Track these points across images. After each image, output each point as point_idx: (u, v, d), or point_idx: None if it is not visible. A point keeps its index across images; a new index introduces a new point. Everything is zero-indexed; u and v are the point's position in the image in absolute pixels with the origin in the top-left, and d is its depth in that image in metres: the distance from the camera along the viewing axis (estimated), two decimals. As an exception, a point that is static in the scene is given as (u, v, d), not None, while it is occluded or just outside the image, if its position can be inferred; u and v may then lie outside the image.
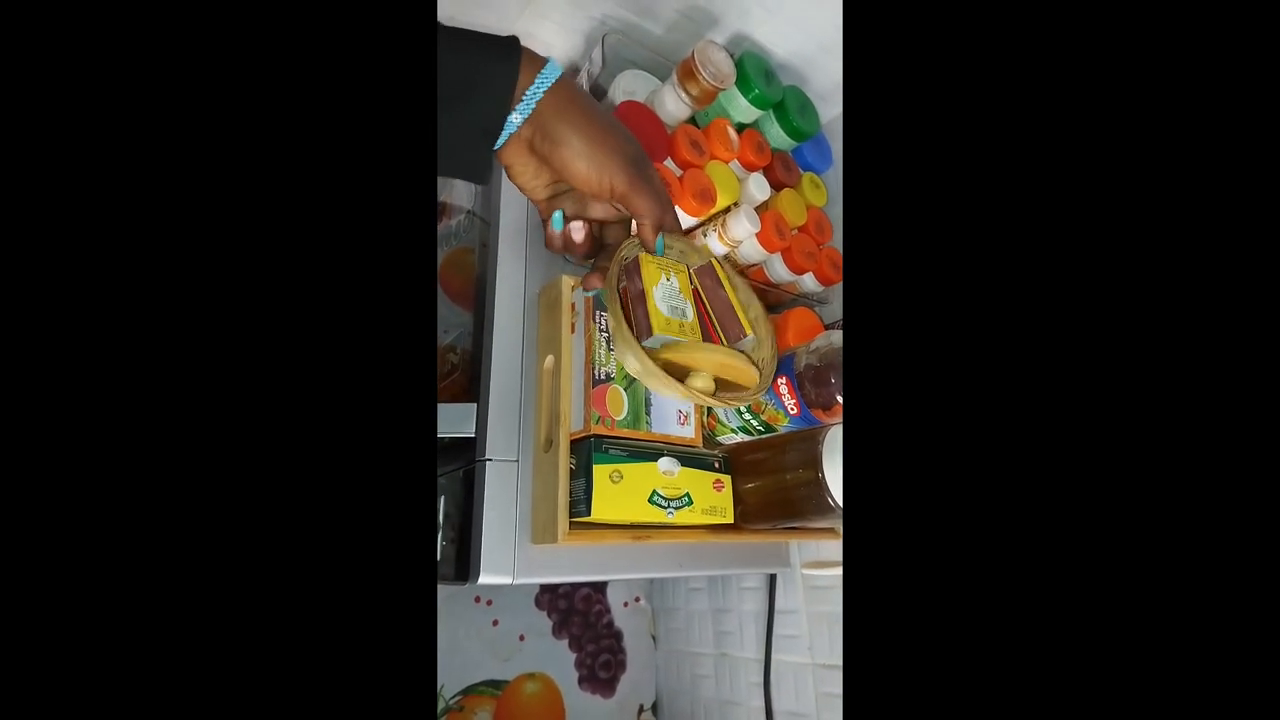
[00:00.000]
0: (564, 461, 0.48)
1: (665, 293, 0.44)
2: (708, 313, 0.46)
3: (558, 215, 0.41)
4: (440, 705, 0.74)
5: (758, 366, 0.45)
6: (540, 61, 0.37)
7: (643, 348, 0.42)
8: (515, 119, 0.36)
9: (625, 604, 0.90)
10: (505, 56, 0.35)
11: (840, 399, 0.45)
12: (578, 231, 0.41)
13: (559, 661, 0.83)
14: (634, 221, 0.42)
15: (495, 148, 0.37)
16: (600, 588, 0.90)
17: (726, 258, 0.62)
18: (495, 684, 0.78)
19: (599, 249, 0.44)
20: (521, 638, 0.81)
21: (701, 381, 0.43)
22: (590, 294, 0.44)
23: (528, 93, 0.36)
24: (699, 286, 0.46)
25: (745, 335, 0.46)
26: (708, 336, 0.46)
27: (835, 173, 0.76)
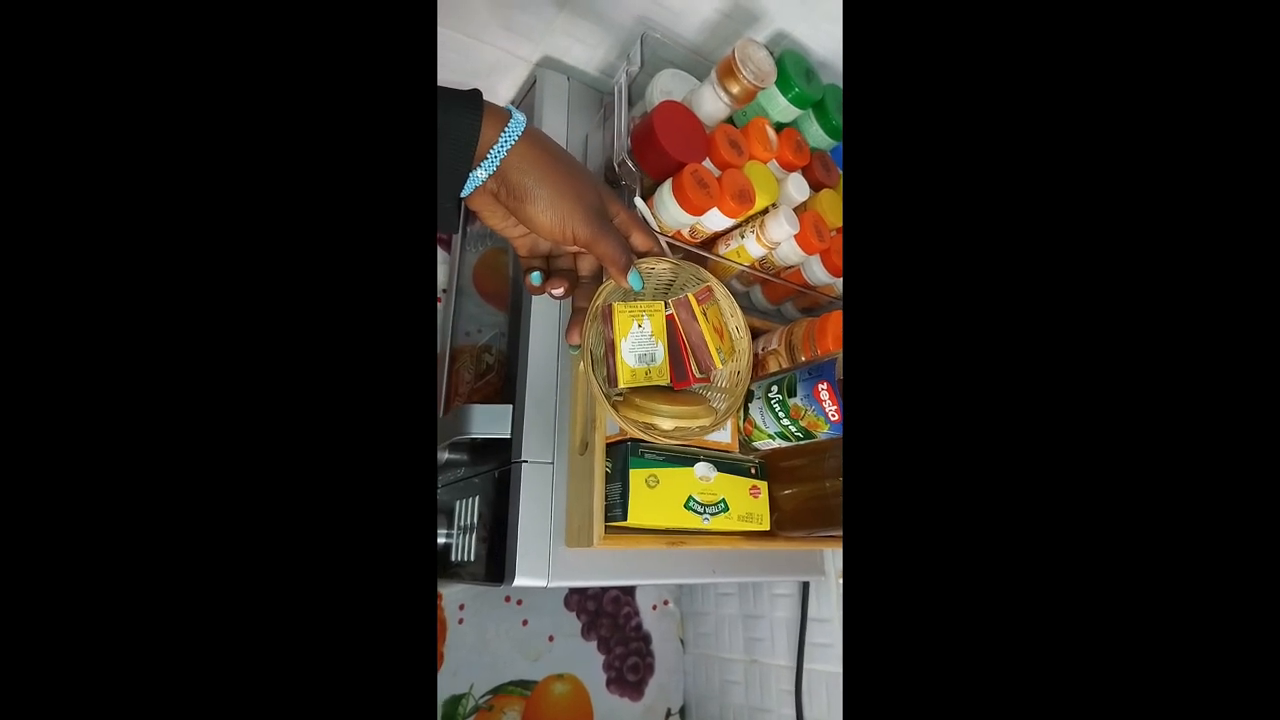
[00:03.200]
0: (600, 465, 0.48)
1: (635, 341, 0.46)
2: (684, 345, 0.48)
3: (536, 275, 0.43)
4: (470, 704, 0.74)
5: (713, 406, 0.49)
6: (503, 116, 0.37)
7: (608, 397, 0.45)
8: (480, 175, 0.37)
9: (654, 607, 0.90)
10: (468, 110, 0.36)
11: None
12: (556, 289, 0.43)
13: (587, 663, 0.83)
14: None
15: (461, 196, 0.38)
16: (629, 590, 0.89)
17: (764, 260, 0.61)
18: (524, 684, 0.78)
19: (576, 281, 0.45)
20: (550, 638, 0.81)
21: (666, 423, 0.46)
22: (574, 351, 0.47)
23: (491, 151, 0.37)
24: (677, 319, 0.48)
25: (715, 367, 0.48)
26: (681, 370, 0.48)
27: (875, 173, 0.74)
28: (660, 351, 0.47)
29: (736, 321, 0.49)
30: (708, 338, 0.47)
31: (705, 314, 0.47)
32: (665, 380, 0.47)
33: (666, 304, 0.47)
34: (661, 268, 0.48)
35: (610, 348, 0.46)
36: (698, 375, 0.48)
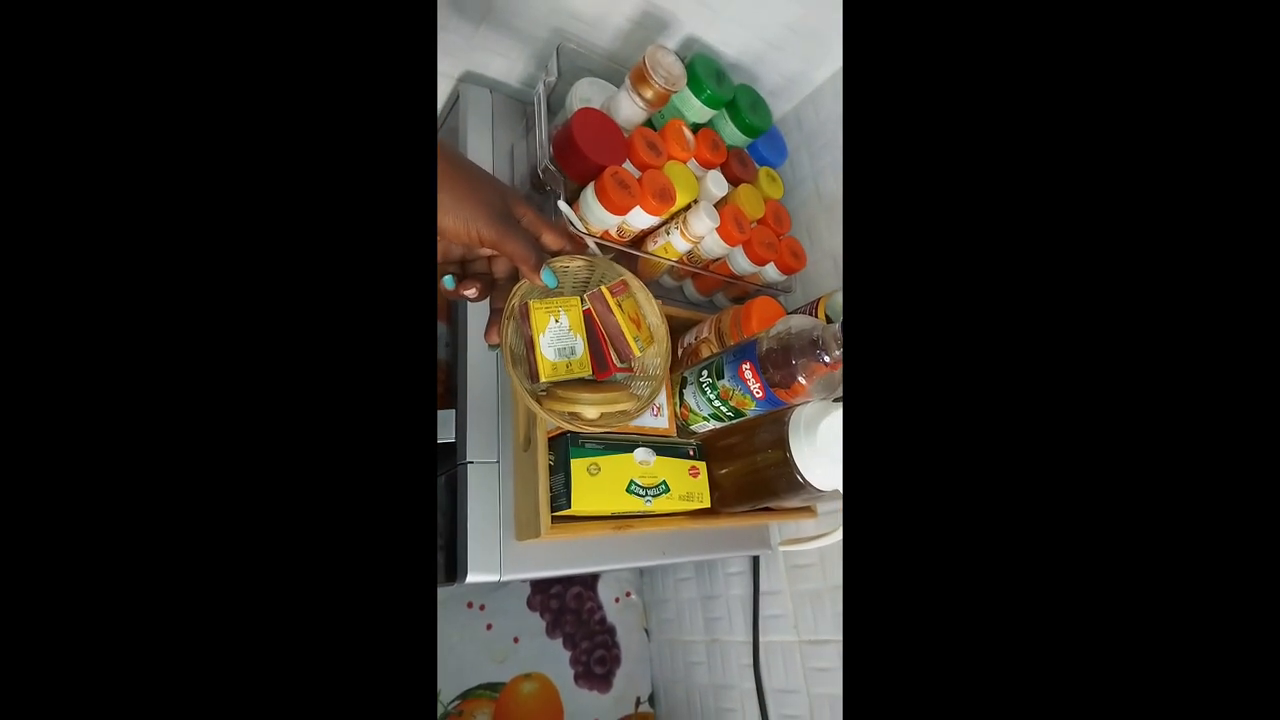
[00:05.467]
0: (543, 458, 0.50)
1: (554, 336, 0.48)
2: (603, 337, 0.50)
3: (449, 278, 0.44)
4: (439, 711, 0.75)
5: (635, 394, 0.50)
6: None
7: (532, 393, 0.46)
8: None
9: (616, 599, 0.92)
10: None
11: (801, 379, 0.47)
12: (468, 291, 0.44)
13: (554, 660, 0.84)
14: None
15: None
16: (591, 585, 0.91)
17: (691, 254, 0.65)
18: (492, 687, 0.79)
19: (492, 284, 0.47)
20: (516, 639, 0.83)
21: (590, 411, 0.47)
22: (494, 350, 0.47)
23: None
24: (594, 312, 0.50)
25: (634, 355, 0.50)
26: (602, 360, 0.50)
27: (790, 166, 0.78)
28: (580, 345, 0.49)
29: (653, 311, 0.52)
30: (624, 327, 0.49)
31: (621, 305, 0.49)
32: (587, 372, 0.49)
33: (582, 299, 0.49)
34: (577, 265, 0.50)
35: (530, 344, 0.47)
36: (619, 365, 0.50)
